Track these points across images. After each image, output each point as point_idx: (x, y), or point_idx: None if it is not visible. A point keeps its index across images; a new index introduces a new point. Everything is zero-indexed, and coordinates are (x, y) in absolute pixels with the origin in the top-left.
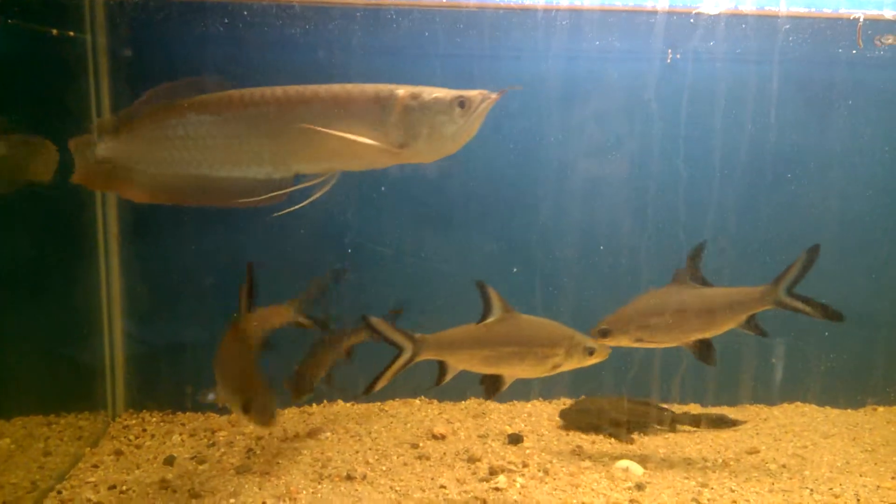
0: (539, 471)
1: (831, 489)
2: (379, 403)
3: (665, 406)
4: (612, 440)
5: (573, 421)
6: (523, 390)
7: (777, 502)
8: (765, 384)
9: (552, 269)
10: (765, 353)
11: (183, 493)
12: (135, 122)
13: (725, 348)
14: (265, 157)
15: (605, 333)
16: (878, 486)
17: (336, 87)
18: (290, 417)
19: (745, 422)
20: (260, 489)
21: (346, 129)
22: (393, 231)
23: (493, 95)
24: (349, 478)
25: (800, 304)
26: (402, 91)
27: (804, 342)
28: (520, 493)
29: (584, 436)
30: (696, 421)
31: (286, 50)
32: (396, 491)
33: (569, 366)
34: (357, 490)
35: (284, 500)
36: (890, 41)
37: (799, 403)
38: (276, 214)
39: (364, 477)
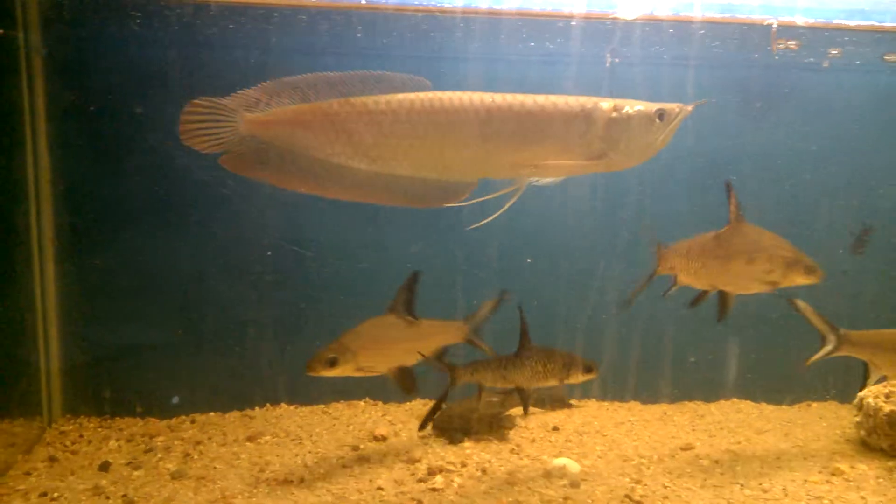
0: (477, 470)
1: (761, 484)
2: (322, 406)
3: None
4: (551, 438)
5: (440, 425)
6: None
7: (708, 497)
8: (702, 381)
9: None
10: (700, 351)
11: (116, 498)
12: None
13: (666, 346)
14: (457, 162)
15: (332, 363)
16: (806, 481)
17: (541, 98)
18: (230, 422)
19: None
20: (195, 494)
21: (547, 138)
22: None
23: (688, 108)
24: (286, 482)
25: (479, 343)
26: (605, 104)
27: (741, 341)
28: (456, 493)
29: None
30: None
31: (223, 49)
32: (333, 494)
33: None
34: (293, 494)
35: None
36: (783, 46)
37: (736, 400)
38: (472, 226)
39: (302, 480)
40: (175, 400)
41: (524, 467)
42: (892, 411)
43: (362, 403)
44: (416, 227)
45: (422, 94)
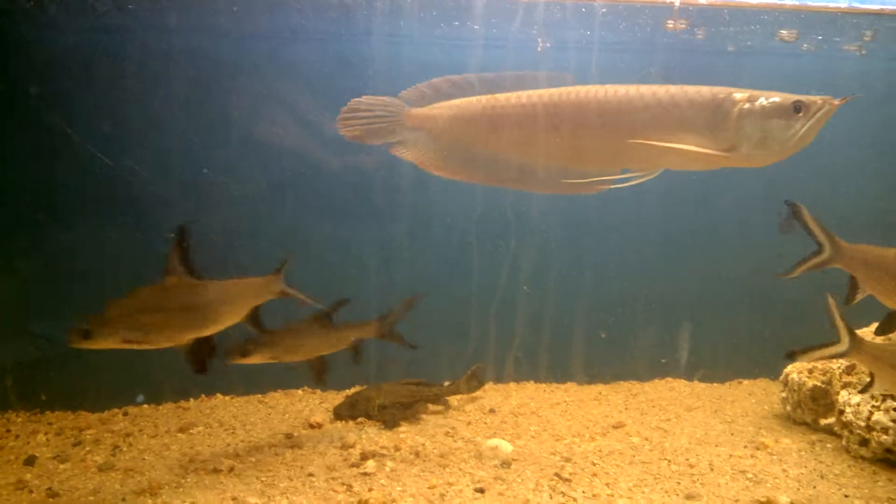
0: (411, 453)
1: (687, 459)
2: (259, 396)
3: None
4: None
5: (344, 413)
6: (397, 375)
7: (636, 474)
8: (637, 361)
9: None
10: (633, 331)
11: (41, 492)
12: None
13: (597, 327)
14: (595, 153)
15: (86, 335)
16: (731, 455)
17: (673, 88)
18: (163, 413)
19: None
20: (121, 486)
21: (678, 130)
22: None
23: (836, 102)
24: (215, 470)
25: (296, 293)
26: (739, 94)
27: (677, 323)
28: (388, 476)
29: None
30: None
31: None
32: (262, 481)
33: None
34: (222, 482)
35: (145, 495)
36: (681, 26)
37: (670, 379)
38: None
39: (231, 469)
40: (139, 397)
41: (458, 449)
42: (815, 386)
43: (300, 392)
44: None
45: (562, 89)
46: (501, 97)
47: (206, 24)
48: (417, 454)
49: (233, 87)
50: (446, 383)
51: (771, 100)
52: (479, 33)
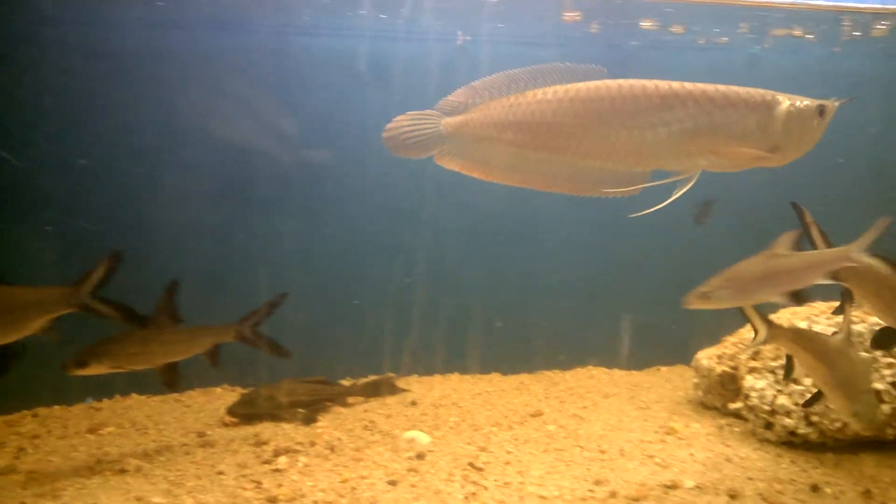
0: (326, 448)
1: (599, 446)
2: (176, 395)
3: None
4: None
5: (239, 412)
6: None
7: (549, 461)
8: (559, 351)
9: None
10: (554, 322)
11: None
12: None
13: (525, 319)
14: (633, 153)
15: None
16: (642, 440)
17: (722, 87)
18: (74, 414)
19: (407, 389)
20: (23, 489)
21: (726, 128)
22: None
23: (836, 104)
24: (122, 471)
25: (102, 308)
26: (781, 96)
27: (597, 312)
28: (300, 472)
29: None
30: (367, 391)
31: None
32: (170, 481)
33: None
34: (128, 483)
35: (47, 498)
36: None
37: (591, 367)
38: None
39: (139, 469)
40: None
41: (374, 443)
42: (723, 372)
43: (219, 390)
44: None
45: (593, 83)
46: (524, 94)
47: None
48: (333, 449)
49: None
50: (347, 382)
51: (805, 103)
52: (369, 22)
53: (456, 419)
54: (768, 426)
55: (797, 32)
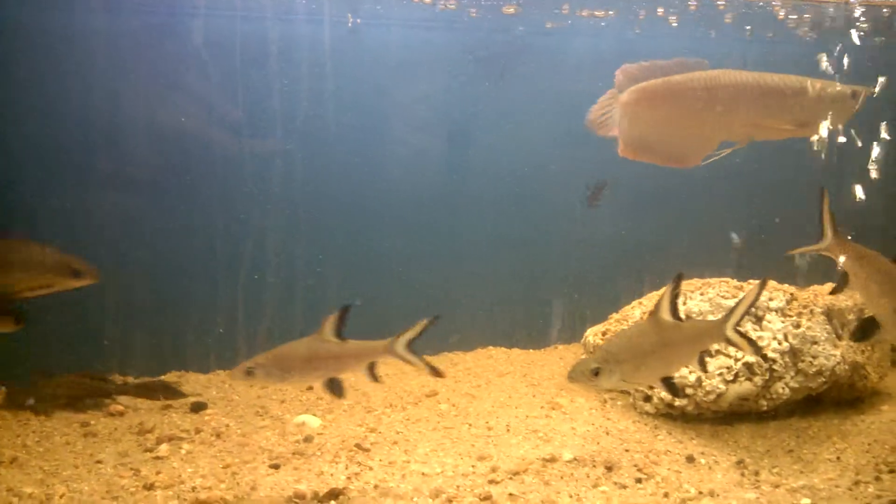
0: (212, 435)
1: (487, 422)
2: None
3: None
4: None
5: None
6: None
7: (436, 439)
8: (461, 333)
9: None
10: (457, 305)
11: None
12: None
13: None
14: (732, 126)
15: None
16: (528, 416)
17: (777, 76)
18: None
19: (190, 395)
20: None
21: (774, 110)
22: None
23: (871, 89)
24: None
25: None
26: (816, 83)
27: (498, 292)
28: (181, 460)
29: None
30: (142, 391)
31: None
32: (45, 471)
33: None
34: (1, 474)
35: None
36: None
37: (491, 348)
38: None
39: (14, 460)
40: None
41: (263, 428)
42: None
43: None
44: None
45: (727, 72)
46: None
47: None
48: (219, 435)
49: None
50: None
51: (837, 88)
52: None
53: (351, 402)
54: (647, 399)
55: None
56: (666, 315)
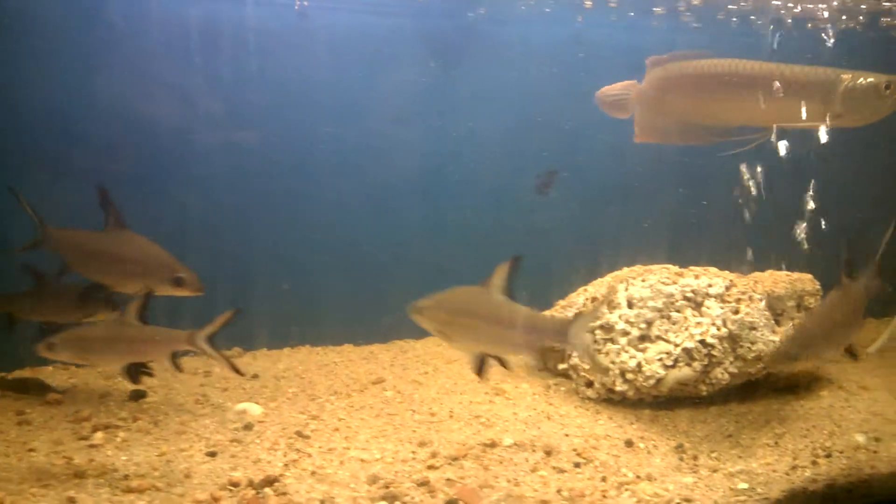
0: (150, 423)
1: (431, 409)
2: (2, 374)
3: None
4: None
5: None
6: None
7: (378, 426)
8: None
9: None
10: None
11: None
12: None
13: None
14: (755, 114)
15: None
16: (471, 402)
17: (797, 68)
18: None
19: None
20: None
21: (805, 99)
22: None
23: None
24: None
25: None
26: (846, 75)
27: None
28: (116, 447)
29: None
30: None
31: None
32: None
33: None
34: None
35: None
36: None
37: None
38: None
39: None
40: None
41: (203, 416)
42: None
43: (50, 369)
44: None
45: (750, 62)
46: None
47: None
48: (157, 423)
49: None
50: None
51: (869, 80)
52: None
53: (295, 390)
54: (589, 384)
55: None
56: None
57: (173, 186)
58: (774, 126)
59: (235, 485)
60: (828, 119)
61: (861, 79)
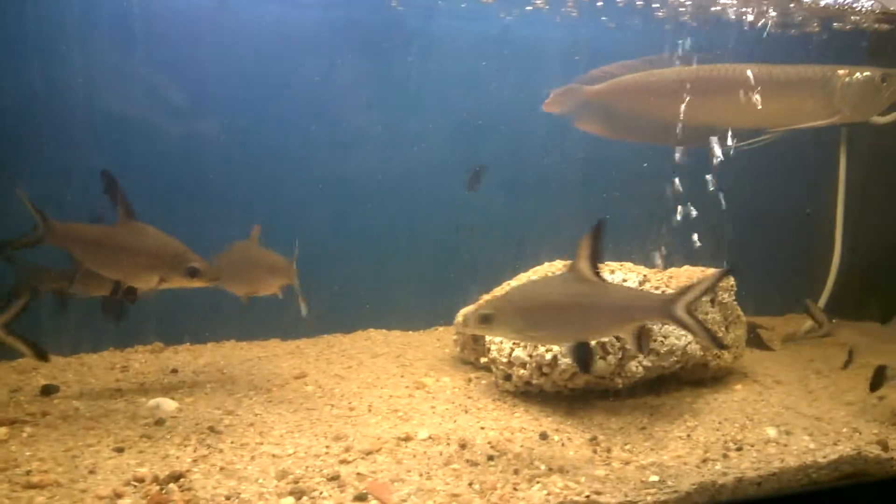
0: (59, 418)
1: (350, 403)
2: None
3: None
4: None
5: None
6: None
7: (295, 420)
8: (342, 315)
9: None
10: (336, 288)
11: None
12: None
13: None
14: (741, 117)
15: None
16: (391, 396)
17: (789, 68)
18: None
19: None
20: None
21: (798, 99)
22: None
23: None
24: None
25: None
26: (841, 70)
27: (380, 274)
28: (21, 443)
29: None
30: None
31: None
32: None
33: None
34: None
35: None
36: None
37: (372, 330)
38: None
39: None
40: None
41: (115, 411)
42: None
43: None
44: None
45: (703, 67)
46: (649, 73)
47: None
48: (66, 418)
49: None
50: None
51: (865, 74)
52: None
53: (214, 385)
54: (507, 378)
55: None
56: (586, 270)
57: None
58: (779, 127)
59: (140, 480)
60: (828, 116)
61: (857, 73)
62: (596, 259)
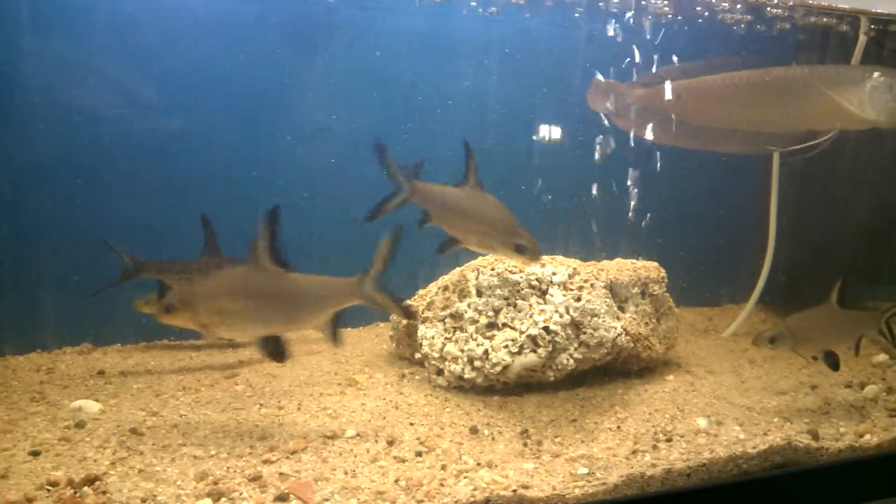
0: None
1: (279, 402)
2: None
3: None
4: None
5: None
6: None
7: (222, 420)
8: None
9: None
10: None
11: None
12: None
13: None
14: (790, 119)
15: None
16: (322, 394)
17: (820, 68)
18: None
19: None
20: None
21: (831, 100)
22: None
23: None
24: None
25: None
26: (875, 71)
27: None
28: None
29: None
30: None
31: None
32: None
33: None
34: None
35: None
36: None
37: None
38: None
39: None
40: None
41: (35, 414)
42: (408, 323)
43: None
44: None
45: (756, 71)
46: (694, 80)
47: None
48: None
49: None
50: None
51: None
52: None
53: (141, 386)
54: (439, 373)
55: None
56: (266, 261)
57: None
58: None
59: (54, 484)
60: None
61: (886, 76)
62: (277, 248)
